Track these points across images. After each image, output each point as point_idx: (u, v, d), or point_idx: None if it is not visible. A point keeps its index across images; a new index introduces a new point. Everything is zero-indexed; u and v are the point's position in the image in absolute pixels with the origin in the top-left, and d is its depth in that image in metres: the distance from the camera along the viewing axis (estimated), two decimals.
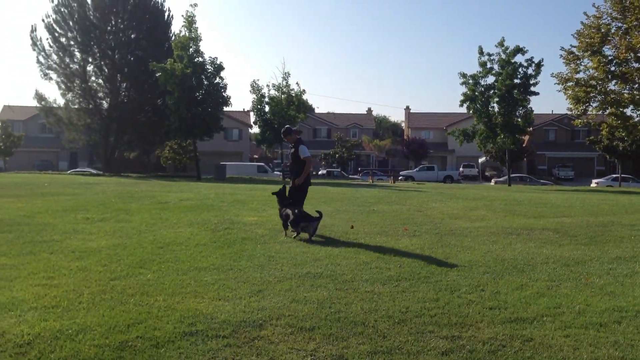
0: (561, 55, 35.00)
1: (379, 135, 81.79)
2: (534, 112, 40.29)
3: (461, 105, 39.14)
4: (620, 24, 33.38)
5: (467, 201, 17.37)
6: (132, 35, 45.39)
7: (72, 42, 44.32)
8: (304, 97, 41.26)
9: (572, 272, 6.85)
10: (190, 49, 37.06)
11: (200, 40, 37.62)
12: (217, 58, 38.20)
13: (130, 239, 8.66)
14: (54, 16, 43.64)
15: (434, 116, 76.65)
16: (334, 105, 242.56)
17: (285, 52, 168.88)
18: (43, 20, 43.97)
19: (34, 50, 43.96)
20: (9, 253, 7.38)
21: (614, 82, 34.09)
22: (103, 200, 15.31)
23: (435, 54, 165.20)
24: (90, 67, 45.47)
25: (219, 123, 39.20)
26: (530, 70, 37.59)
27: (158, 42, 44.75)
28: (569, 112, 39.00)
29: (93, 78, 45.71)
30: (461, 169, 61.27)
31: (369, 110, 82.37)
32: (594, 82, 34.08)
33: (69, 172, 48.97)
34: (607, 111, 34.89)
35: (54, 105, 45.87)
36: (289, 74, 41.31)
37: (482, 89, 38.16)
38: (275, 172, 49.69)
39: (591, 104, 34.75)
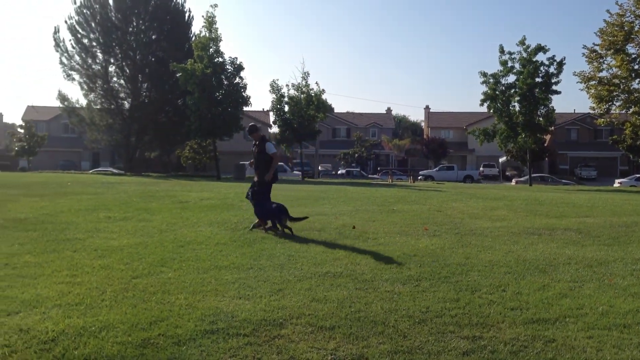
0: (583, 54, 34.59)
1: (399, 135, 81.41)
2: (556, 111, 39.74)
3: (481, 105, 38.76)
4: None
5: (488, 201, 17.24)
6: (153, 36, 45.85)
7: (94, 43, 44.92)
8: (323, 96, 41.20)
9: (595, 273, 6.77)
10: (211, 50, 37.23)
11: (220, 40, 37.80)
12: (236, 58, 38.35)
13: (152, 238, 8.74)
14: (76, 18, 44.28)
15: (454, 115, 76.13)
16: (354, 104, 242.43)
17: (305, 51, 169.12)
18: (66, 22, 44.63)
19: (57, 51, 44.67)
20: (33, 251, 7.50)
21: (637, 80, 33.58)
22: (124, 199, 15.47)
23: (455, 53, 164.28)
24: (112, 68, 46.12)
25: (239, 123, 39.34)
26: (552, 69, 37.11)
27: (178, 42, 45.09)
28: (591, 111, 38.50)
29: (115, 79, 46.35)
30: (481, 168, 60.70)
31: (389, 110, 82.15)
32: (617, 81, 33.60)
33: (91, 171, 49.58)
34: (631, 110, 34.38)
35: (77, 105, 46.50)
36: (308, 74, 41.37)
37: (503, 88, 37.75)
38: (295, 172, 49.75)
39: (614, 102, 34.29)
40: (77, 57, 44.69)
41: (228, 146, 53.02)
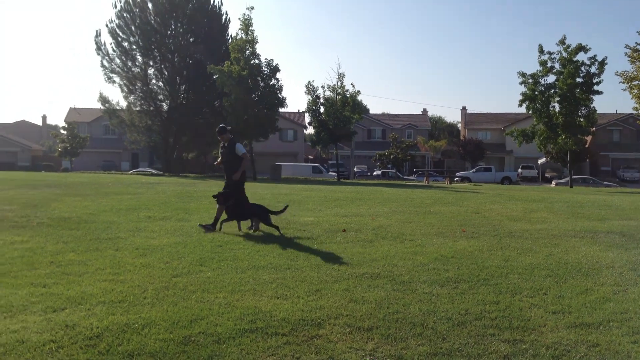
0: (626, 53, 33.67)
1: (435, 136, 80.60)
2: (597, 112, 38.85)
3: (520, 105, 38.19)
4: None
5: (527, 203, 16.95)
6: (191, 39, 46.55)
7: (134, 46, 45.90)
8: (359, 98, 41.15)
9: (639, 276, 6.59)
10: (247, 52, 37.63)
11: (257, 42, 38.19)
12: (272, 60, 38.69)
13: (191, 238, 8.87)
14: (117, 21, 45.33)
15: (491, 116, 75.01)
16: (389, 105, 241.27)
17: (341, 53, 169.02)
18: (107, 26, 45.74)
19: (99, 54, 45.82)
20: (77, 249, 7.70)
21: None
22: (163, 199, 15.74)
23: (492, 54, 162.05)
24: (151, 70, 47.11)
25: (275, 124, 39.64)
26: (593, 69, 36.32)
27: (215, 45, 45.65)
28: (634, 112, 37.42)
29: (154, 81, 47.29)
30: (520, 170, 59.68)
31: (425, 111, 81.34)
32: None
33: (130, 172, 50.55)
34: None
35: (117, 107, 47.59)
36: (343, 75, 41.35)
37: (542, 89, 37.12)
38: (330, 173, 49.79)
39: None
40: (117, 60, 45.85)
41: (264, 147, 53.45)
